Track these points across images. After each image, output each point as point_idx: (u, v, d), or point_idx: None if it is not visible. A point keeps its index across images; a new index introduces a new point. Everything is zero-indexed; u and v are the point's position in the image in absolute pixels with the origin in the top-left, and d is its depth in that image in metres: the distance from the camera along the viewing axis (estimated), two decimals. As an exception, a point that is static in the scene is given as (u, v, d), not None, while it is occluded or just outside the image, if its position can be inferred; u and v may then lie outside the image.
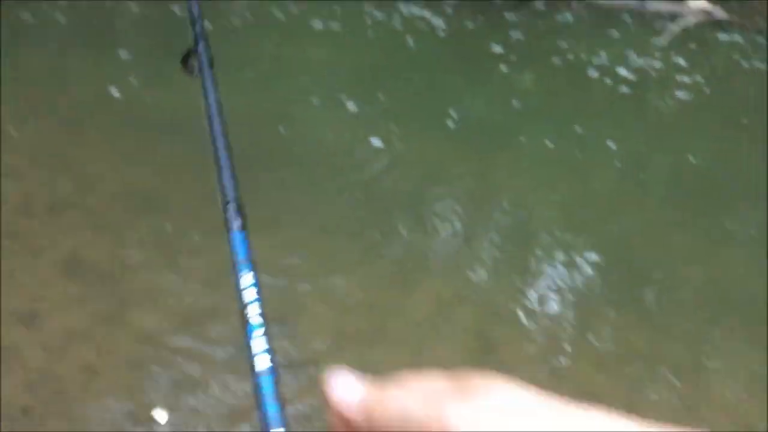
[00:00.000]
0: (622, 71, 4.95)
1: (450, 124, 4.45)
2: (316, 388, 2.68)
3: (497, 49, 5.15)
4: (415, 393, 0.42)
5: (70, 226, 3.38)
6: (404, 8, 5.52)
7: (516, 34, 5.28)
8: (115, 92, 4.38)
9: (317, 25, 5.24)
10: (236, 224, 0.69)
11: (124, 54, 4.82)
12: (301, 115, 4.34)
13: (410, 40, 5.40)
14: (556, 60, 5.08)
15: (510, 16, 5.48)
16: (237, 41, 4.94)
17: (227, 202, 0.74)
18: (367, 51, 5.28)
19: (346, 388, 0.48)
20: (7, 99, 3.99)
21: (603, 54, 5.10)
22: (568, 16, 5.57)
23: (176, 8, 4.85)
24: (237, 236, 0.68)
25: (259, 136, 4.15)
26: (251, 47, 4.95)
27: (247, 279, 0.64)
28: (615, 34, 5.34)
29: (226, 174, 0.82)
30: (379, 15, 5.48)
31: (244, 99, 4.43)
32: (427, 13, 5.51)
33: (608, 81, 4.88)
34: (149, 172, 3.83)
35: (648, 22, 5.49)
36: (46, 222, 3.37)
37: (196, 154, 4.18)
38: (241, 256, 0.67)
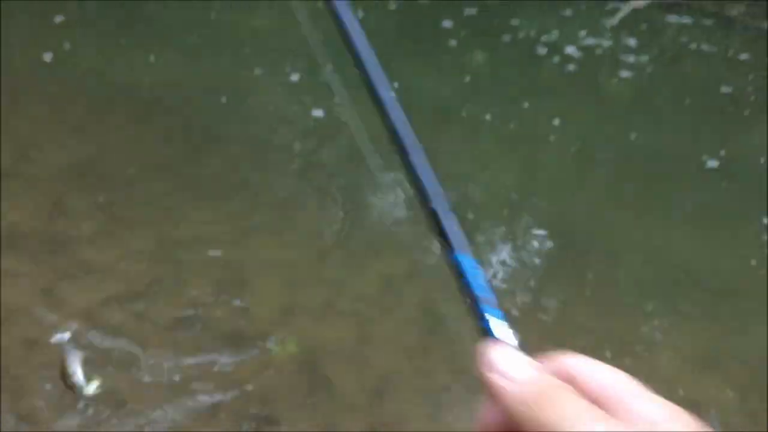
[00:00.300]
0: (571, 50, 4.96)
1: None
2: (263, 363, 2.65)
3: (447, 24, 5.12)
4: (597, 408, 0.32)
5: (8, 197, 3.27)
6: (355, -20, 5.43)
7: (469, 11, 5.25)
8: (53, 59, 4.24)
9: (264, -8, 5.13)
10: (464, 244, 0.45)
11: (59, 18, 4.65)
12: (244, 84, 4.25)
13: (360, 12, 5.33)
14: (506, 37, 5.08)
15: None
16: (180, 5, 4.82)
17: (439, 209, 0.45)
18: (314, 21, 5.19)
19: (512, 365, 0.36)
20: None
21: (555, 32, 5.11)
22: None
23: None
24: (470, 264, 0.44)
25: (200, 106, 4.05)
26: (195, 12, 4.82)
27: (502, 331, 0.41)
28: (568, 12, 5.34)
29: (421, 163, 0.49)
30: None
31: (185, 66, 4.33)
32: (378, -14, 5.45)
33: (557, 59, 4.89)
34: (89, 142, 3.72)
35: (601, 2, 5.51)
36: (-18, 193, 3.26)
37: (136, 124, 4.07)
38: (484, 293, 0.44)
